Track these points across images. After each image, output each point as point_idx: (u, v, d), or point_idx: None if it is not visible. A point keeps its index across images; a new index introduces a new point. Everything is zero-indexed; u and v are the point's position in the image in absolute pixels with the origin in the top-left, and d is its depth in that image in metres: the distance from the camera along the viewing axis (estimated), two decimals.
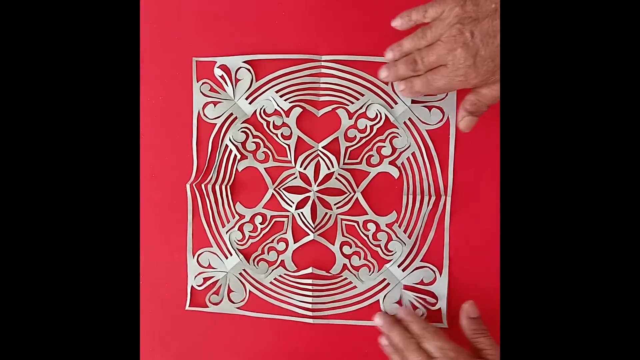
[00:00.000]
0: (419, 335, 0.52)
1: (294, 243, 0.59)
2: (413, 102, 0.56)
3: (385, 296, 0.58)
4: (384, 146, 0.57)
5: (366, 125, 0.57)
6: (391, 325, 0.55)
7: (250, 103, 0.58)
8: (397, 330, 0.54)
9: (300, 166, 0.58)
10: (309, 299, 0.58)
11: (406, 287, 0.58)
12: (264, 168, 0.59)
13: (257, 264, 0.59)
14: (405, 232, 0.57)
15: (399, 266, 0.57)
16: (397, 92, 0.54)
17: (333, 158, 0.57)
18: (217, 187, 0.59)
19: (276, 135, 0.58)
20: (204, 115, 0.59)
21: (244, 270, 0.59)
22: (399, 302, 0.58)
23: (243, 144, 0.59)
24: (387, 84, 0.57)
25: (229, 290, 0.59)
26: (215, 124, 0.59)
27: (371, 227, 0.58)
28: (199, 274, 0.59)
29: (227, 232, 0.59)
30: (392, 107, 0.57)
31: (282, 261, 0.59)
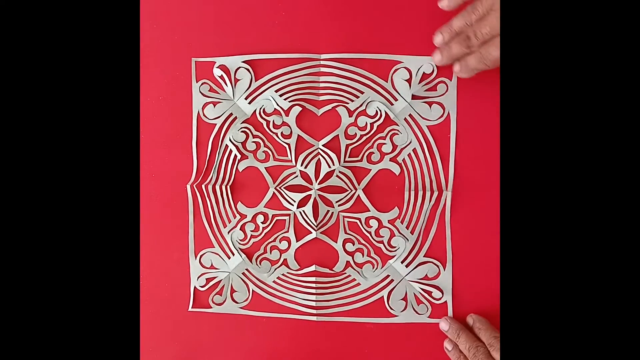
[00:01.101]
0: (488, 344, 0.52)
1: (297, 241, 0.59)
2: (413, 97, 0.57)
3: (389, 292, 0.58)
4: (385, 143, 0.57)
5: (366, 123, 0.57)
6: (460, 331, 0.54)
7: (249, 103, 0.58)
8: (465, 337, 0.54)
9: (301, 165, 0.58)
10: (313, 297, 0.58)
11: (411, 282, 0.58)
12: (265, 167, 0.59)
13: (260, 263, 0.59)
14: (407, 228, 0.58)
15: (402, 262, 0.58)
16: (456, 74, 0.54)
17: (334, 156, 0.57)
18: (217, 188, 0.59)
19: (276, 134, 0.58)
20: (204, 115, 0.59)
21: (246, 269, 0.59)
22: (405, 298, 0.58)
23: (243, 144, 0.59)
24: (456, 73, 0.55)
25: (232, 290, 0.59)
26: (215, 124, 0.59)
27: (373, 223, 0.58)
28: (202, 274, 0.59)
29: (228, 232, 0.59)
30: (392, 104, 0.57)
31: (285, 260, 0.59)
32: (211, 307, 0.59)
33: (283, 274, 0.59)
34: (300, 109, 0.58)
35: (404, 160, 0.58)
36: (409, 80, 0.57)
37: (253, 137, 0.59)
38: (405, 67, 0.57)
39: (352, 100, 0.57)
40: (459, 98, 0.56)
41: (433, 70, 0.56)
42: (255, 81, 0.58)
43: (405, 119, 0.57)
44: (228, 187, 0.59)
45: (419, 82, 0.56)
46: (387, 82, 0.57)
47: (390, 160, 0.57)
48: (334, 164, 0.58)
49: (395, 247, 0.58)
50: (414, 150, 0.57)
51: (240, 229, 0.59)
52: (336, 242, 0.58)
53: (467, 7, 0.50)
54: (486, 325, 0.54)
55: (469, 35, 0.50)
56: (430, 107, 0.57)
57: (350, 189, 0.58)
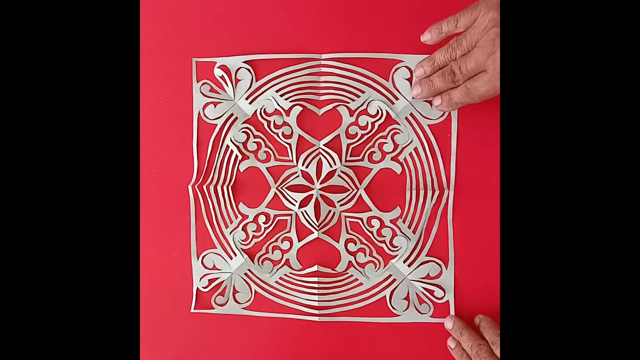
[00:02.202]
0: (491, 342, 0.52)
1: (299, 242, 0.59)
2: (414, 97, 0.57)
3: (392, 292, 0.58)
4: (386, 142, 0.57)
5: (367, 122, 0.57)
6: (462, 329, 0.54)
7: (250, 103, 0.58)
8: (468, 335, 0.54)
9: (302, 164, 0.58)
10: (315, 297, 0.58)
11: (413, 282, 0.58)
12: (266, 167, 0.58)
13: (262, 264, 0.59)
14: (409, 227, 0.58)
15: (404, 262, 0.58)
16: (437, 107, 0.55)
17: (335, 155, 0.57)
18: (219, 188, 0.58)
19: (277, 134, 0.58)
20: (205, 115, 0.58)
21: (249, 270, 0.59)
22: (407, 298, 0.58)
23: (244, 144, 0.58)
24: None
25: (235, 291, 0.59)
26: (216, 124, 0.58)
27: (375, 223, 0.58)
28: (204, 275, 0.59)
29: (230, 233, 0.59)
30: (393, 103, 0.57)
31: (287, 260, 0.59)
32: (214, 308, 0.59)
33: (285, 274, 0.59)
34: (301, 108, 0.58)
35: (405, 159, 0.57)
36: (409, 80, 0.56)
37: (254, 138, 0.58)
38: (406, 66, 0.56)
39: (353, 100, 0.57)
40: None
41: None
42: (256, 81, 0.58)
43: (406, 118, 0.57)
44: (229, 187, 0.59)
45: None
46: (388, 81, 0.57)
47: (392, 159, 0.57)
48: (335, 164, 0.57)
49: (397, 246, 0.58)
50: (415, 149, 0.57)
51: (242, 230, 0.59)
52: (338, 242, 0.58)
53: (451, 41, 0.50)
54: (491, 324, 0.54)
55: (454, 70, 0.50)
56: (431, 106, 0.57)
57: (351, 188, 0.58)
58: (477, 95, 0.50)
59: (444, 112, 0.57)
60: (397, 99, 0.57)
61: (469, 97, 0.50)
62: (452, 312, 0.57)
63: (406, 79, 0.56)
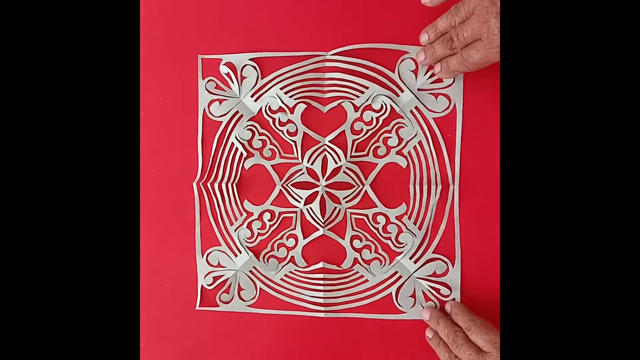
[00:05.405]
0: (466, 328, 0.51)
1: (304, 239, 0.58)
2: (419, 89, 0.56)
3: (398, 289, 0.57)
4: (390, 137, 0.57)
5: (372, 117, 0.57)
6: (439, 318, 0.54)
7: (255, 101, 0.58)
8: (444, 323, 0.53)
9: (308, 161, 0.58)
10: (321, 294, 0.57)
11: (419, 279, 0.57)
12: (271, 165, 0.58)
13: (267, 261, 0.58)
14: (415, 223, 0.57)
15: (410, 258, 0.57)
16: (437, 74, 0.54)
17: (340, 152, 0.57)
18: (223, 186, 0.58)
19: (282, 132, 0.58)
20: (210, 113, 0.59)
21: (254, 267, 0.59)
22: (414, 295, 0.57)
23: (249, 141, 0.58)
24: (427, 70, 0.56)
25: (240, 289, 0.59)
26: (221, 121, 0.59)
27: (381, 219, 0.57)
28: (209, 273, 0.59)
29: (235, 230, 0.59)
30: (398, 96, 0.56)
31: (292, 257, 0.58)
32: (218, 306, 0.59)
33: (290, 272, 0.58)
34: (305, 106, 0.57)
35: (409, 153, 0.57)
36: (415, 71, 0.56)
37: (259, 135, 0.58)
38: (411, 58, 0.56)
39: (358, 97, 0.57)
40: (465, 90, 0.56)
41: None
42: (262, 79, 0.58)
43: (411, 111, 0.57)
44: (234, 185, 0.58)
45: (425, 73, 0.56)
46: (393, 72, 0.56)
47: (397, 153, 0.57)
48: (340, 160, 0.57)
49: (403, 243, 0.57)
50: (420, 142, 0.56)
51: (247, 227, 0.59)
52: (343, 239, 0.58)
53: (452, 8, 0.50)
54: (462, 310, 0.53)
55: (452, 37, 0.50)
56: (436, 98, 0.56)
57: (357, 184, 0.57)
58: (471, 63, 0.49)
59: (449, 105, 0.56)
60: (402, 91, 0.56)
61: (465, 66, 0.50)
62: None
63: (412, 70, 0.56)
